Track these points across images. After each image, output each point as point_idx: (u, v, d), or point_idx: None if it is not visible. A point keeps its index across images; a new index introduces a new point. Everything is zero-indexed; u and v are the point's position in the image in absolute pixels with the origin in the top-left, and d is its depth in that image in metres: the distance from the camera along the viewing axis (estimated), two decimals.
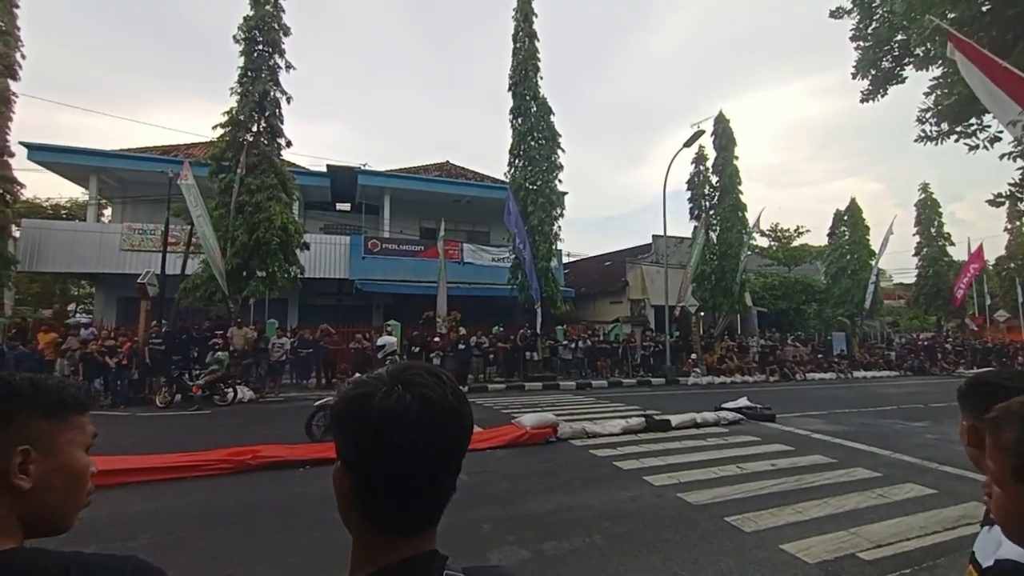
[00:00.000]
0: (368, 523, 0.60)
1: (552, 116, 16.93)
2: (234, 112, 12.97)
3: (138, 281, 11.92)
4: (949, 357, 22.79)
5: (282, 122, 13.60)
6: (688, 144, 18.14)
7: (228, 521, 4.30)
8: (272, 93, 13.30)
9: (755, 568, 3.45)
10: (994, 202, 7.19)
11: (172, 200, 13.20)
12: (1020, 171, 7.01)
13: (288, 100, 13.58)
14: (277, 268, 13.00)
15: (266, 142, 13.33)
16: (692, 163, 20.35)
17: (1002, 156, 6.56)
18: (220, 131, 13.03)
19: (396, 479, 0.59)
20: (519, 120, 16.87)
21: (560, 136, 17.03)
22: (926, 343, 23.88)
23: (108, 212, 21.31)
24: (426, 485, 0.60)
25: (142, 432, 8.21)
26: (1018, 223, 27.30)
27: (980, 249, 24.25)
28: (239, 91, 13.06)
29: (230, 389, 10.80)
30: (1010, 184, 6.84)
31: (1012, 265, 28.49)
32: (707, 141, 19.65)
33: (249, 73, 13.13)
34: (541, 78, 16.98)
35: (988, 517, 1.04)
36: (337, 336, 14.74)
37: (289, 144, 13.80)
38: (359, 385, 0.62)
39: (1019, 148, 5.87)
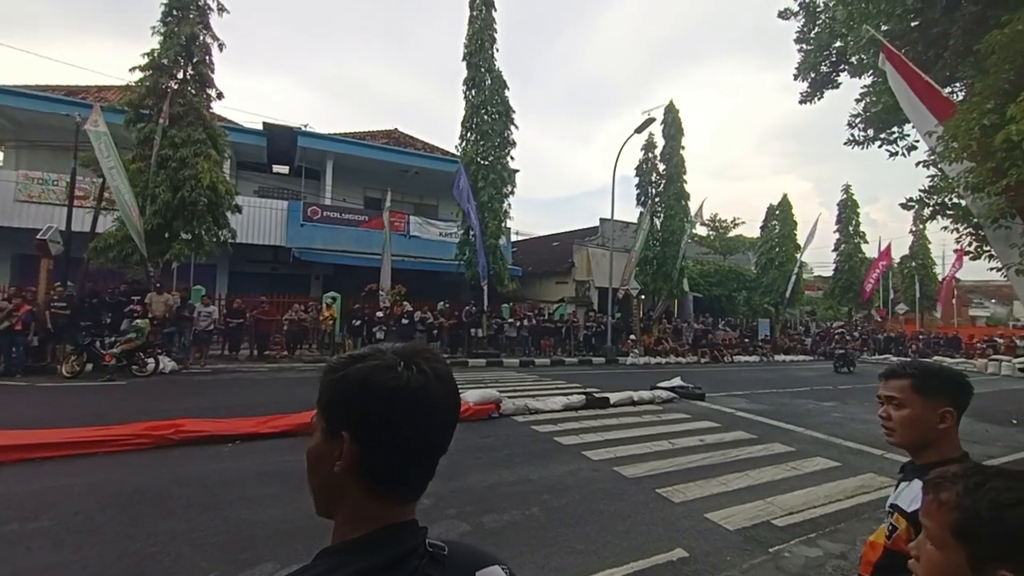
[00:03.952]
0: (366, 491, 0.61)
1: (507, 91, 16.61)
2: (156, 55, 11.65)
3: (38, 237, 10.59)
4: (856, 344, 25.20)
5: (212, 71, 12.39)
6: (639, 131, 18.49)
7: (146, 499, 3.99)
8: (201, 37, 12.05)
9: (682, 535, 3.67)
10: (906, 205, 7.88)
11: (80, 148, 11.78)
12: (930, 178, 7.72)
13: (220, 47, 12.36)
14: (204, 231, 12.00)
15: (193, 91, 12.13)
16: (641, 150, 20.79)
17: (918, 163, 7.19)
18: (139, 75, 11.67)
19: (410, 448, 0.61)
20: (473, 92, 16.42)
21: (514, 112, 16.79)
22: (837, 332, 26.23)
23: None
24: (433, 454, 0.64)
25: (44, 404, 7.43)
26: (922, 226, 30.33)
27: (888, 248, 26.81)
28: (162, 31, 11.72)
29: (150, 359, 9.98)
30: (921, 190, 7.52)
31: (913, 264, 31.76)
32: (656, 129, 20.13)
33: (175, 12, 11.80)
34: (497, 50, 16.56)
35: (907, 473, 1.21)
36: (270, 306, 13.99)
37: (220, 96, 12.62)
38: (369, 358, 0.62)
39: (932, 157, 6.44)
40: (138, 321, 10.09)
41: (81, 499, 3.91)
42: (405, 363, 0.62)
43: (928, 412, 1.18)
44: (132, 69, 11.64)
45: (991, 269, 7.08)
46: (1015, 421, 8.82)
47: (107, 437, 5.08)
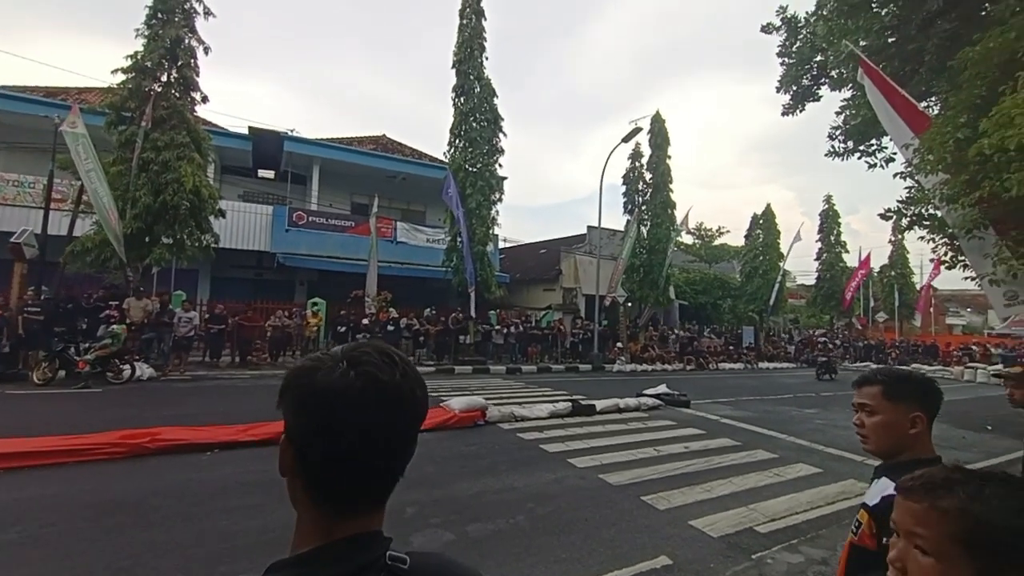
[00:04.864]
0: (312, 500, 0.59)
1: (496, 98, 16.70)
2: (139, 57, 11.50)
3: (12, 240, 10.32)
4: (837, 352, 25.61)
5: (197, 74, 12.26)
6: (626, 140, 18.70)
7: (121, 510, 3.87)
8: (186, 40, 11.93)
9: (667, 543, 3.67)
10: (885, 216, 8.07)
11: (58, 150, 11.54)
12: (907, 190, 7.93)
13: (206, 51, 12.25)
14: (186, 235, 11.81)
15: (177, 95, 11.99)
16: (628, 159, 21.07)
17: (895, 175, 7.36)
18: (122, 77, 11.52)
19: (333, 456, 0.57)
20: (462, 99, 16.48)
21: (503, 120, 16.87)
22: (820, 340, 26.66)
23: None
24: (364, 465, 0.58)
25: (14, 412, 7.17)
26: (900, 236, 31.07)
27: (868, 258, 27.39)
28: (147, 34, 11.59)
29: (126, 366, 9.73)
30: (899, 201, 7.73)
31: (893, 273, 32.47)
32: (643, 139, 20.39)
33: (159, 15, 11.68)
34: (487, 58, 16.66)
35: (876, 472, 1.24)
36: (253, 312, 13.78)
37: (205, 100, 12.51)
38: (310, 359, 0.61)
39: (909, 169, 6.61)
40: (114, 327, 9.85)
41: (52, 511, 3.78)
42: (332, 365, 0.58)
43: (899, 417, 1.19)
44: (114, 71, 11.50)
45: (966, 278, 7.26)
46: (991, 427, 9.02)
47: (80, 446, 4.92)
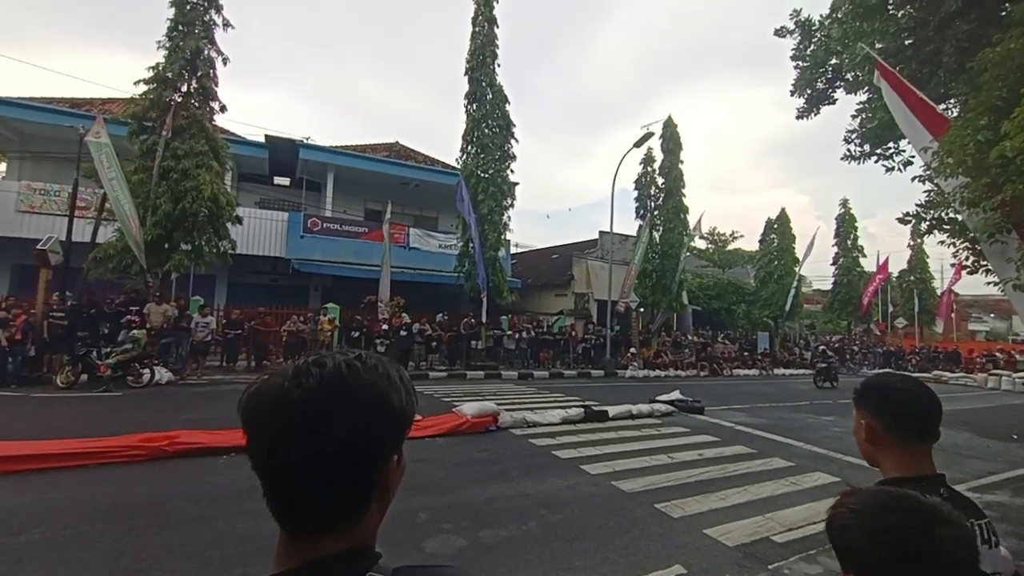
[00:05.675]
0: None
1: (508, 105, 16.81)
2: (161, 68, 11.80)
3: (38, 247, 10.62)
4: (856, 358, 25.13)
5: (216, 84, 12.54)
6: (637, 145, 18.64)
7: (139, 513, 3.95)
8: (206, 52, 12.22)
9: (681, 551, 3.62)
10: (903, 220, 7.92)
11: (83, 160, 11.87)
12: (926, 193, 7.79)
13: (224, 61, 12.55)
14: (204, 242, 12.05)
15: (197, 104, 12.26)
16: (640, 164, 20.97)
17: (913, 179, 7.25)
18: (144, 88, 11.83)
19: (258, 472, 0.55)
20: (474, 106, 16.61)
21: (515, 126, 16.96)
22: (836, 345, 26.19)
23: (2, 167, 18.88)
24: (276, 485, 0.54)
25: (38, 415, 7.37)
26: (919, 240, 30.45)
27: (886, 262, 26.88)
28: (168, 46, 11.89)
29: (146, 370, 9.93)
30: (918, 205, 7.58)
31: (912, 278, 31.81)
32: (655, 143, 20.31)
33: (180, 27, 11.99)
34: (499, 65, 16.79)
35: None
36: (269, 317, 13.97)
37: (223, 109, 12.79)
38: (271, 370, 0.58)
39: (928, 172, 6.50)
40: (135, 332, 10.06)
41: (72, 513, 3.86)
42: (270, 377, 0.56)
43: (856, 425, 1.16)
44: (137, 82, 11.80)
45: (989, 283, 7.09)
46: (1016, 436, 8.77)
47: (100, 449, 5.03)
